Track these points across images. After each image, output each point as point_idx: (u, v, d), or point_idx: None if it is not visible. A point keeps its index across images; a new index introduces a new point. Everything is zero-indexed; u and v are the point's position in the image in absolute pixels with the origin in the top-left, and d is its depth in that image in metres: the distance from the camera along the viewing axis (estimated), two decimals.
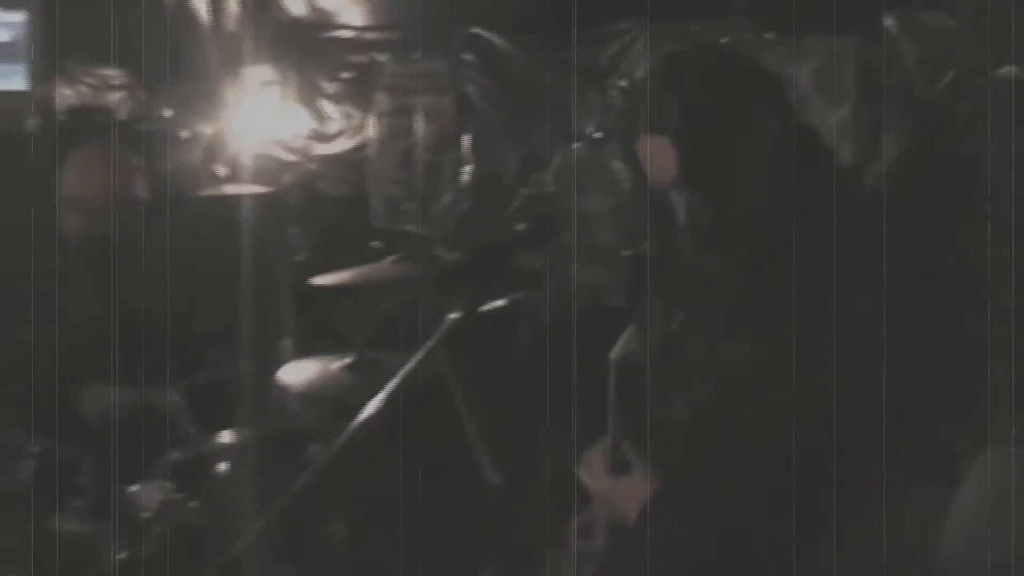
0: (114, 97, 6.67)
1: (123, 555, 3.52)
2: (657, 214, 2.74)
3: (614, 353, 2.55)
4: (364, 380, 3.67)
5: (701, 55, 2.65)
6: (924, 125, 4.10)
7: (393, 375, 3.54)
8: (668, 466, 2.47)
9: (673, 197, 2.54)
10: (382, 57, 6.33)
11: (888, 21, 4.21)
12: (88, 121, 6.35)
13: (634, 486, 2.48)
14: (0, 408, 3.71)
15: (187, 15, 6.53)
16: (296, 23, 6.42)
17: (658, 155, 2.49)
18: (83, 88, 6.68)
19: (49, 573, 3.46)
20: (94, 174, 4.09)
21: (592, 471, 2.54)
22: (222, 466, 3.75)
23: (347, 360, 4.02)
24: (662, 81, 2.59)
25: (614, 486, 2.51)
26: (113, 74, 6.70)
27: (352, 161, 6.51)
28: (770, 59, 4.31)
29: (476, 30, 5.81)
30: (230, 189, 6.28)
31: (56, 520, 3.55)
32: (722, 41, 4.34)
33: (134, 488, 3.67)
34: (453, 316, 3.34)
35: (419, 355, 3.30)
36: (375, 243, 5.81)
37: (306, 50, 6.59)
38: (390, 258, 4.56)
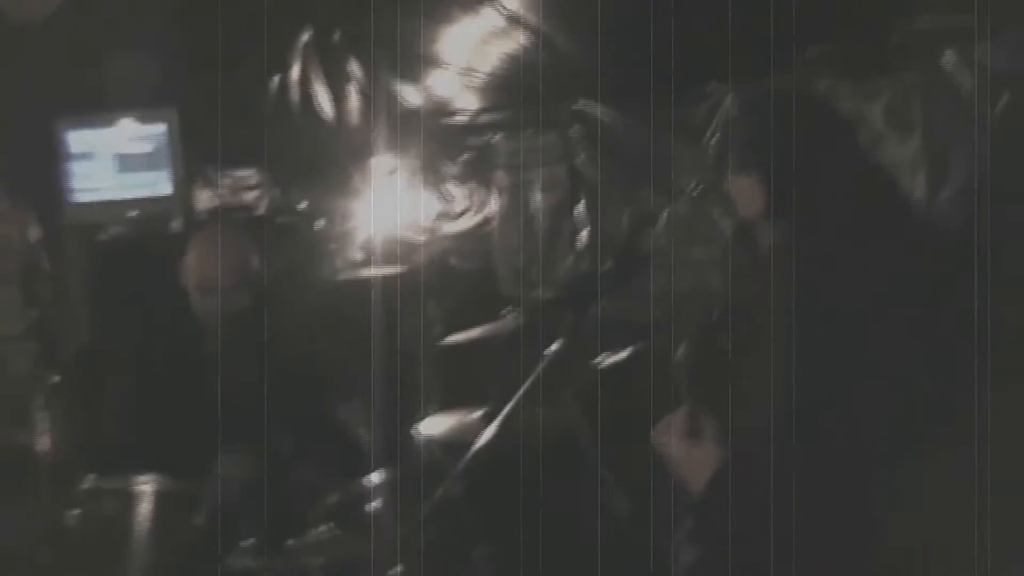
0: (251, 195, 7.41)
1: None
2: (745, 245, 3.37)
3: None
4: (500, 428, 4.30)
5: (781, 103, 3.31)
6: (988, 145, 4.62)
7: (526, 423, 4.24)
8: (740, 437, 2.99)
9: (761, 228, 3.20)
10: (497, 137, 6.92)
11: (947, 56, 4.78)
12: (228, 219, 7.10)
13: (706, 453, 3.03)
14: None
15: (313, 113, 7.07)
16: (415, 112, 6.94)
17: (747, 191, 3.17)
18: (221, 189, 7.44)
19: None
20: (210, 256, 4.92)
21: (668, 436, 3.11)
22: (375, 504, 4.49)
23: (483, 411, 4.71)
24: (749, 127, 3.27)
25: (688, 451, 3.08)
26: (248, 174, 7.45)
27: (478, 236, 7.07)
28: (845, 103, 4.97)
29: (580, 104, 6.35)
30: (366, 272, 6.96)
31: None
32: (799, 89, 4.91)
33: (293, 541, 4.44)
34: (553, 348, 4.01)
35: (526, 384, 3.98)
36: (505, 310, 6.47)
37: (427, 136, 7.10)
38: (510, 314, 5.23)
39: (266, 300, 5.01)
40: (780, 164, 3.05)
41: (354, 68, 6.89)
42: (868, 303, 2.86)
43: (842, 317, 2.88)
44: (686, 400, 3.13)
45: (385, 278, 6.66)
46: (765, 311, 3.15)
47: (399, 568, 4.20)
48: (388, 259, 6.99)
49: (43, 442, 5.34)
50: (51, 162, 6.45)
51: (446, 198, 7.25)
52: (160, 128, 6.55)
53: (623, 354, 5.08)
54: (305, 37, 6.69)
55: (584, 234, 6.48)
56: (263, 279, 5.02)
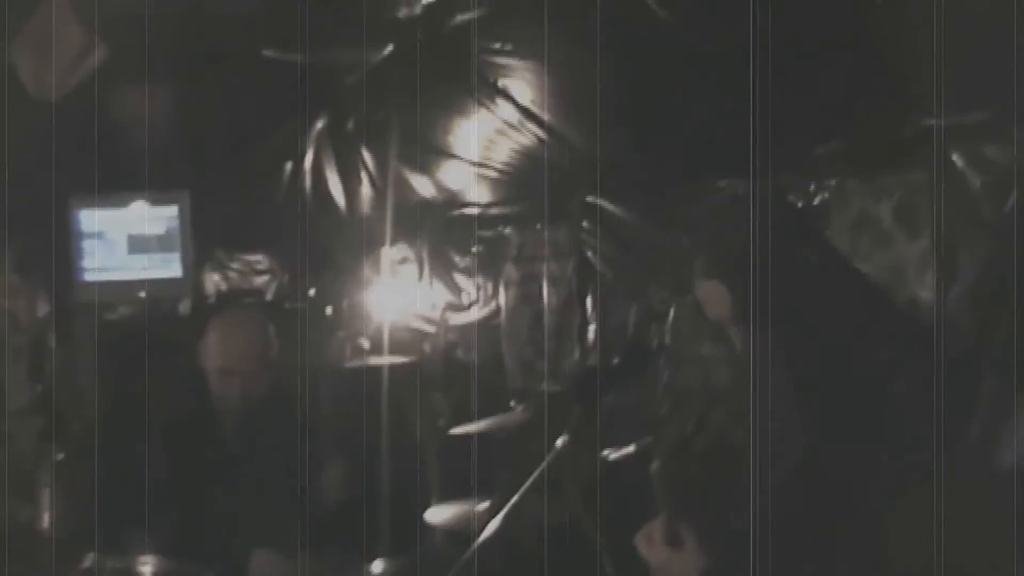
0: (260, 280, 7.49)
1: None
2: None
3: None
4: (504, 520, 4.33)
5: (737, 205, 3.36)
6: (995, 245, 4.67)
7: (529, 515, 4.26)
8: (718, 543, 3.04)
9: (732, 332, 3.25)
10: (508, 230, 6.98)
11: (954, 156, 4.82)
12: (236, 302, 7.17)
13: (687, 561, 3.03)
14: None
15: (324, 200, 7.20)
16: (427, 203, 7.08)
17: (714, 296, 3.23)
18: (231, 273, 7.52)
19: None
20: (232, 339, 4.96)
21: (650, 544, 3.17)
22: None
23: (488, 503, 4.74)
24: (716, 230, 3.32)
25: (669, 559, 3.06)
26: (258, 259, 7.53)
27: (486, 328, 7.09)
28: (855, 200, 5.03)
29: (590, 199, 6.40)
30: (374, 360, 7.02)
31: None
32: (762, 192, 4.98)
33: None
34: (559, 442, 4.04)
35: (532, 478, 4.01)
36: (512, 403, 6.51)
37: (438, 228, 7.29)
38: (519, 408, 5.27)
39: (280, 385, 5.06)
40: (744, 269, 3.07)
41: (367, 157, 6.97)
42: (846, 404, 2.89)
43: (819, 421, 2.95)
44: (663, 508, 3.16)
45: (393, 367, 6.71)
46: (741, 415, 3.22)
47: None
48: (396, 348, 7.05)
49: (46, 518, 5.36)
50: (63, 240, 6.51)
51: (455, 289, 7.27)
52: (172, 210, 6.62)
53: (630, 448, 5.08)
54: (319, 125, 6.77)
55: (592, 328, 6.49)
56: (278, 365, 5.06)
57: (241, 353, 4.87)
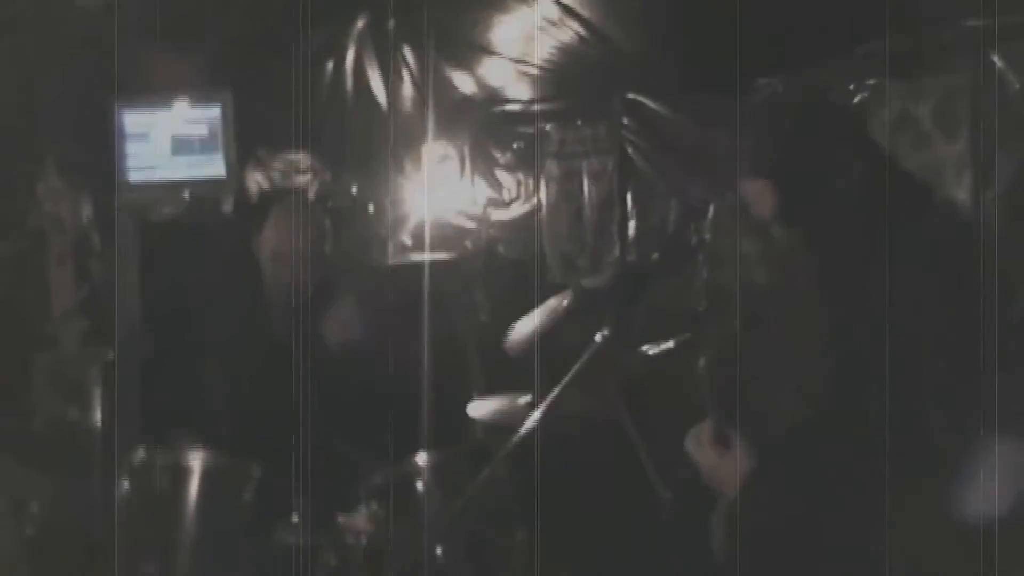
0: (302, 179, 7.53)
1: (335, 562, 4.42)
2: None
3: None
4: (544, 413, 4.40)
5: (791, 101, 3.38)
6: None
7: (571, 409, 4.34)
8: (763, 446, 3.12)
9: (774, 231, 3.29)
10: (548, 126, 6.99)
11: (995, 56, 4.84)
12: (283, 199, 7.22)
13: (735, 462, 3.12)
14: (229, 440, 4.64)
15: (365, 98, 7.24)
16: (468, 100, 7.09)
17: (758, 194, 3.26)
18: (273, 173, 7.56)
19: None
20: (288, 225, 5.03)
21: (699, 446, 3.25)
22: (419, 484, 4.61)
23: (528, 397, 4.81)
24: (760, 127, 3.34)
25: (718, 461, 3.18)
26: (300, 158, 7.56)
27: (527, 224, 7.14)
28: (896, 100, 5.04)
29: (631, 95, 6.45)
30: (416, 257, 7.11)
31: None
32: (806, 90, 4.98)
33: (342, 517, 4.56)
34: (598, 337, 4.10)
35: (575, 369, 4.09)
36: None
37: (479, 124, 7.29)
38: (562, 297, 5.32)
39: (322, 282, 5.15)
40: (789, 167, 3.13)
41: (408, 55, 6.98)
42: (884, 303, 2.91)
43: (861, 318, 2.99)
44: (710, 411, 3.23)
45: (435, 264, 6.78)
46: (784, 315, 3.28)
47: (440, 549, 4.32)
48: (438, 245, 7.11)
49: (95, 417, 5.48)
50: (106, 142, 6.54)
51: (496, 186, 7.31)
52: (214, 111, 6.62)
53: (668, 344, 5.14)
54: (360, 24, 6.78)
55: (632, 224, 6.53)
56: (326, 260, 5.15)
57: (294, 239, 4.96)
